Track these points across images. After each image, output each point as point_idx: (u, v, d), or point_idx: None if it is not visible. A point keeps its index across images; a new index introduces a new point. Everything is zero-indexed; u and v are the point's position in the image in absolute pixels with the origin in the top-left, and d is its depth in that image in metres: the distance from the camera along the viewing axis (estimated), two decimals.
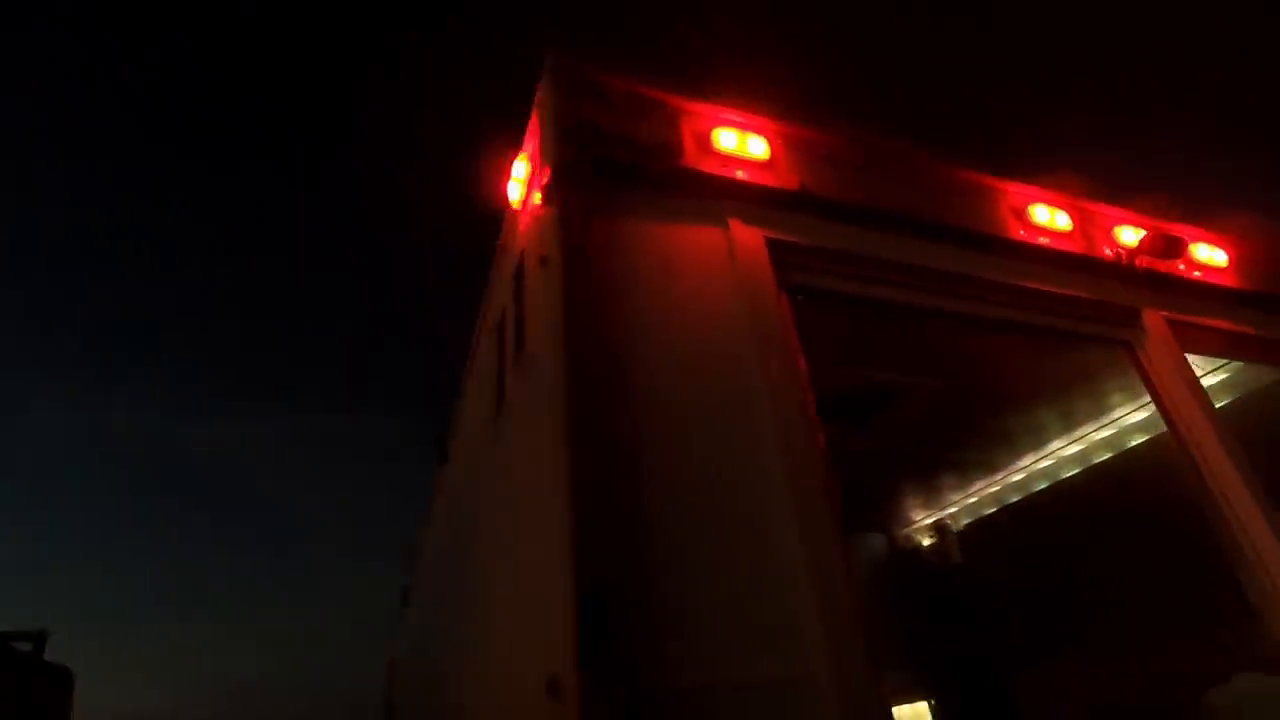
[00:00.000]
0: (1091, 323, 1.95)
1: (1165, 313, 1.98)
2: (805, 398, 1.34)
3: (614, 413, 1.14)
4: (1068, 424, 3.38)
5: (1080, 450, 3.58)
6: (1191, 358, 1.99)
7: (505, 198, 1.70)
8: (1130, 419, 3.18)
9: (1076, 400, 3.11)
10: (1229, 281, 2.13)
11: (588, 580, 0.95)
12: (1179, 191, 2.23)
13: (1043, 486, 3.87)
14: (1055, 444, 3.60)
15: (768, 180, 1.59)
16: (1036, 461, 3.80)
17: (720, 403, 1.27)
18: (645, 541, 1.06)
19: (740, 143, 1.58)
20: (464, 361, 2.70)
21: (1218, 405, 1.97)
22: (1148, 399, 2.61)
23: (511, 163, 1.66)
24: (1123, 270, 1.95)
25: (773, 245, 1.51)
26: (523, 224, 1.64)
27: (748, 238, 1.51)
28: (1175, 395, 1.93)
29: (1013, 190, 1.95)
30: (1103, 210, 2.03)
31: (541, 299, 1.33)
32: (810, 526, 1.18)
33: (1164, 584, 2.53)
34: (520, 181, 1.62)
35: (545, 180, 1.36)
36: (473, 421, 2.37)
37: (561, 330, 1.17)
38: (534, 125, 1.59)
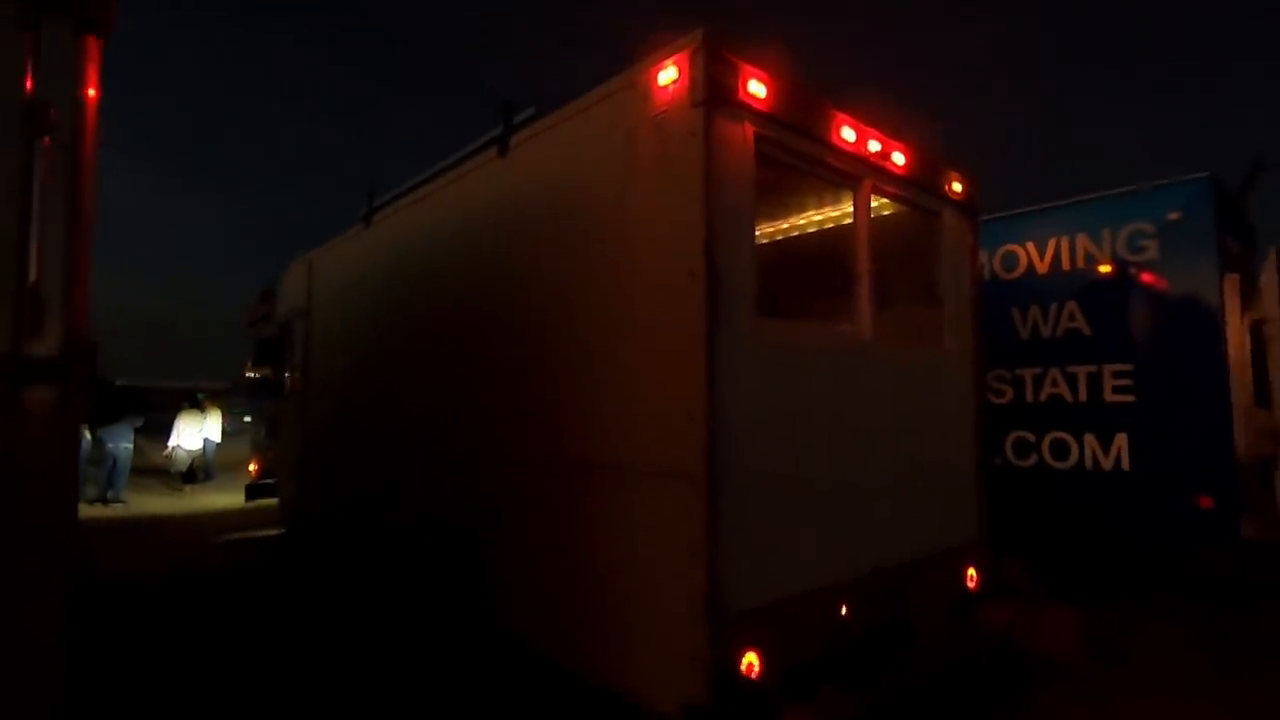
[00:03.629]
0: (849, 179, 4.78)
1: (872, 180, 4.87)
2: (754, 202, 3.97)
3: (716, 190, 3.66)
4: (801, 209, 6.66)
5: (793, 225, 6.99)
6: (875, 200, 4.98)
7: (654, 78, 3.84)
8: (818, 216, 6.52)
9: (804, 199, 6.33)
10: (901, 171, 5.06)
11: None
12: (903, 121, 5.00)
13: (780, 239, 7.18)
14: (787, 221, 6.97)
15: (762, 106, 3.99)
16: (779, 226, 7.14)
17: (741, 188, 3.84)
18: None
19: (756, 87, 3.92)
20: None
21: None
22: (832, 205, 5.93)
23: (663, 64, 3.79)
24: (865, 161, 4.76)
25: (756, 135, 3.98)
26: (661, 99, 3.83)
27: (749, 131, 3.95)
28: (861, 214, 4.89)
29: (838, 116, 4.55)
30: (864, 129, 4.74)
31: (687, 149, 3.68)
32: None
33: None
34: (671, 79, 3.78)
35: (700, 96, 3.62)
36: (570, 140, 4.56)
37: (703, 169, 3.60)
38: (686, 57, 3.72)
